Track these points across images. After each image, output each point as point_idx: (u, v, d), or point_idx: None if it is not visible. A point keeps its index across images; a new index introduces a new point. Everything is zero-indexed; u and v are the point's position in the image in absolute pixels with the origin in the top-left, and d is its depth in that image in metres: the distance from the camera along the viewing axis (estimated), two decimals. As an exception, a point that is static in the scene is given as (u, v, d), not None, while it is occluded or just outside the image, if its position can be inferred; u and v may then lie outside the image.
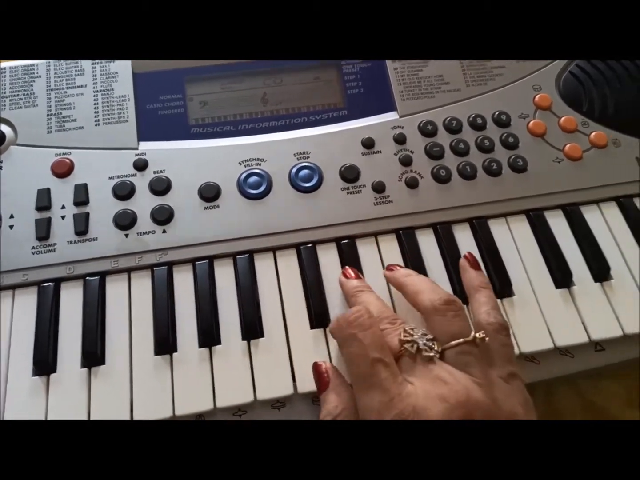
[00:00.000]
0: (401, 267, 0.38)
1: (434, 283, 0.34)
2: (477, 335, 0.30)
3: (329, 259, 0.39)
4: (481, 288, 0.35)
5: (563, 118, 0.44)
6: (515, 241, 0.40)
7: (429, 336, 0.30)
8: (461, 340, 0.29)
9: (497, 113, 0.44)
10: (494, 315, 0.32)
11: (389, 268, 0.37)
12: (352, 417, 0.30)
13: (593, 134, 0.44)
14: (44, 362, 0.34)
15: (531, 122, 0.44)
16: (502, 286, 0.38)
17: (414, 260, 0.39)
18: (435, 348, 0.29)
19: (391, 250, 0.39)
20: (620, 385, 0.44)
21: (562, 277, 0.39)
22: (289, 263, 0.39)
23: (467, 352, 0.29)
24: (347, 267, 0.38)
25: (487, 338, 0.30)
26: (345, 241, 0.39)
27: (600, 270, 0.39)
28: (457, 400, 0.27)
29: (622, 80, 0.46)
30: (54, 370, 0.34)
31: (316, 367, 0.33)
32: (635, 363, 0.43)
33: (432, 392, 0.27)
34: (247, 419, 0.34)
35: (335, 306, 0.37)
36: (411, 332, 0.30)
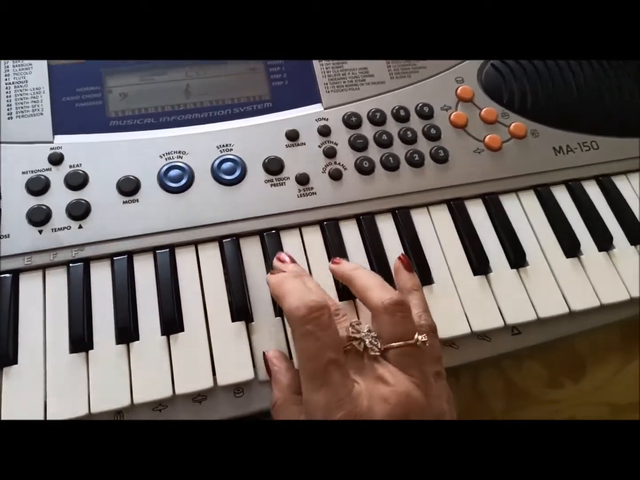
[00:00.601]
0: (346, 260, 0.38)
1: (382, 279, 0.34)
2: (420, 338, 0.30)
3: (252, 252, 0.39)
4: (413, 290, 0.35)
5: (484, 110, 0.46)
6: (436, 230, 0.41)
7: (374, 334, 0.30)
8: (403, 342, 0.30)
9: (420, 105, 0.45)
10: (424, 318, 0.33)
11: (335, 262, 0.37)
12: (290, 404, 0.30)
13: (513, 125, 0.45)
14: (-48, 364, 0.33)
15: (453, 113, 0.45)
16: (421, 274, 0.39)
17: (336, 250, 0.39)
18: (379, 346, 0.30)
19: (315, 241, 0.40)
20: (542, 366, 0.46)
21: (479, 264, 0.40)
22: (211, 256, 0.38)
23: (409, 354, 0.30)
24: (280, 252, 0.37)
25: (427, 343, 0.30)
26: (269, 232, 0.39)
27: (516, 257, 0.40)
28: (398, 400, 0.28)
29: (540, 73, 0.48)
30: (-37, 372, 0.33)
31: (264, 356, 0.34)
32: (557, 345, 0.45)
33: (375, 392, 0.28)
34: (164, 417, 0.34)
35: (257, 299, 0.37)
36: (358, 329, 0.30)
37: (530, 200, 0.44)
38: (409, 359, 0.30)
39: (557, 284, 0.40)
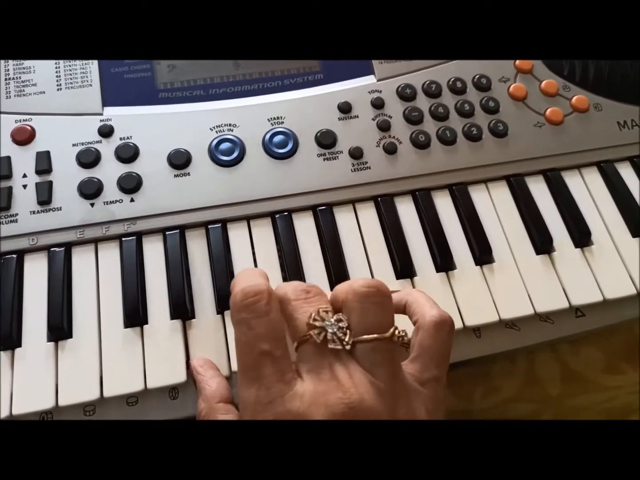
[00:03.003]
0: None
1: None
2: (397, 332, 0.25)
3: (305, 228, 0.38)
4: (412, 291, 0.31)
5: (544, 82, 0.43)
6: (495, 207, 0.39)
7: (343, 323, 0.25)
8: (375, 336, 0.25)
9: (477, 77, 0.43)
10: (437, 309, 0.28)
11: None
12: (216, 413, 0.28)
13: (574, 98, 0.43)
14: (8, 336, 0.33)
15: (512, 86, 0.43)
16: (482, 253, 0.37)
17: (392, 228, 0.38)
18: (346, 339, 0.25)
19: (369, 218, 0.38)
20: (600, 351, 0.44)
21: (542, 243, 0.38)
22: (264, 232, 0.37)
23: (381, 349, 0.25)
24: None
25: (406, 337, 0.26)
26: (322, 208, 0.38)
27: (581, 236, 0.39)
28: (344, 411, 0.23)
29: (604, 43, 0.45)
30: (19, 345, 0.33)
31: (191, 365, 0.32)
32: (616, 329, 0.43)
33: (321, 395, 0.24)
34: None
35: (311, 276, 0.36)
36: (323, 316, 0.25)
37: (594, 177, 0.41)
38: (380, 355, 0.25)
39: (624, 265, 0.38)
